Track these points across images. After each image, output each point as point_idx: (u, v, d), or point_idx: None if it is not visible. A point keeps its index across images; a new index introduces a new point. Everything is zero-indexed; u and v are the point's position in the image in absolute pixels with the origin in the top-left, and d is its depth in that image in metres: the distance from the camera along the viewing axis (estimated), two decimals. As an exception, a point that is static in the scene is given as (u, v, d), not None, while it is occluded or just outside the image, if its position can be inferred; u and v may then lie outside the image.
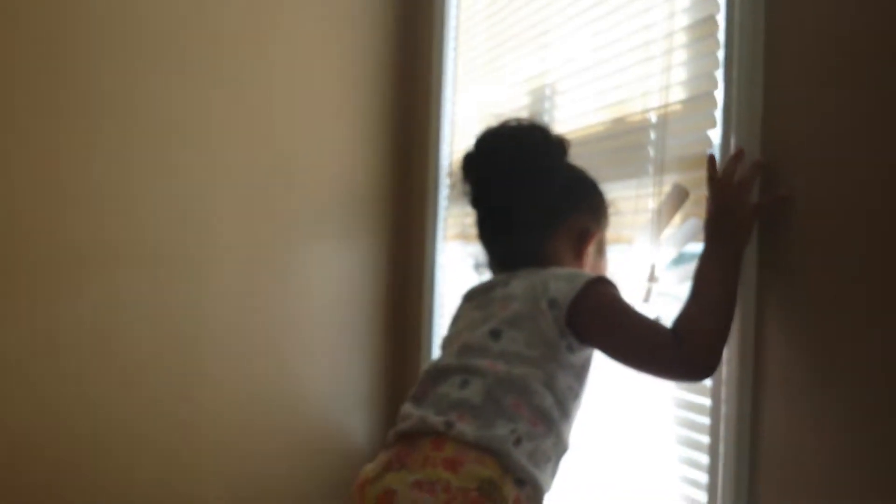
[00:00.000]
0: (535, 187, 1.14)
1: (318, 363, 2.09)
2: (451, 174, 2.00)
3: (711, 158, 1.05)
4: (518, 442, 0.98)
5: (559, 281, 1.05)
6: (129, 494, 1.85)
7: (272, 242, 2.03)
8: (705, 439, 1.09)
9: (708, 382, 1.08)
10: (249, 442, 2.00)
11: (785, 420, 0.98)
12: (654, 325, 1.01)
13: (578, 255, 1.15)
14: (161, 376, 1.89)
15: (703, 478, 1.10)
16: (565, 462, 1.07)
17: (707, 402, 1.09)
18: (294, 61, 2.06)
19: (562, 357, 1.03)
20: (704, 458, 1.10)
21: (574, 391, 1.05)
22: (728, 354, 1.04)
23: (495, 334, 1.05)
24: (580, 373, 1.06)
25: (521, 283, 1.08)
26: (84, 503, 1.80)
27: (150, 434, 1.88)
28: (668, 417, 1.20)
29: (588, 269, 1.16)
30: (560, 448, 1.05)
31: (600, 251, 1.20)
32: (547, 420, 1.01)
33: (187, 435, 1.92)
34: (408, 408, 1.06)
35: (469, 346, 1.06)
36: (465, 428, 0.97)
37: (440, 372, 1.07)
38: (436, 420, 1.00)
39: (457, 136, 1.97)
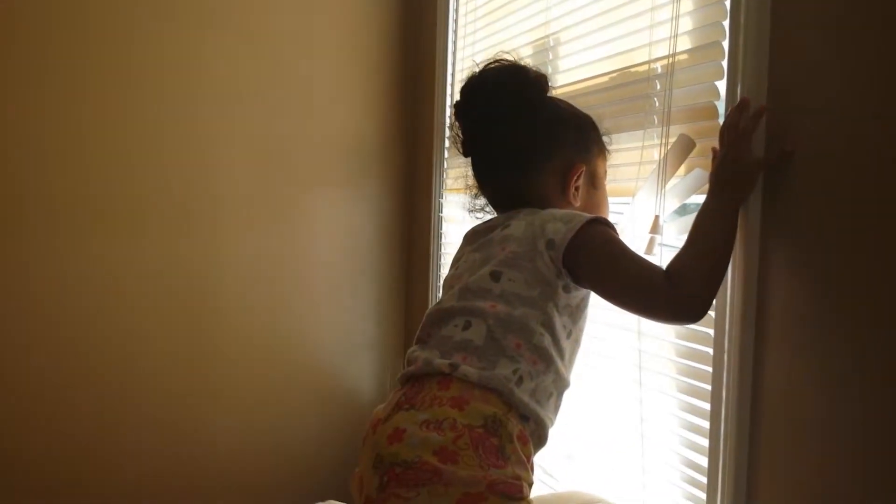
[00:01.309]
0: (515, 126, 1.17)
1: (328, 310, 2.13)
2: (451, 127, 2.00)
3: (730, 111, 1.04)
4: (520, 381, 1.02)
5: (557, 222, 1.07)
6: (147, 441, 1.91)
7: (282, 192, 2.05)
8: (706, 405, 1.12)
9: (710, 331, 1.10)
10: (262, 388, 2.05)
11: (787, 374, 0.99)
12: (648, 266, 1.02)
13: (564, 189, 1.17)
14: (174, 325, 1.93)
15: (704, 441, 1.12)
16: (567, 398, 1.11)
17: (709, 351, 1.11)
18: (304, 16, 2.05)
19: (558, 297, 1.06)
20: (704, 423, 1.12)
21: (567, 330, 1.08)
22: (731, 306, 1.05)
23: (495, 276, 1.08)
24: (574, 312, 1.10)
25: (519, 225, 1.11)
26: (105, 451, 1.86)
27: (166, 383, 1.92)
28: (670, 374, 1.22)
29: (581, 204, 1.19)
30: (560, 384, 1.08)
31: (595, 184, 1.21)
32: (545, 358, 1.05)
33: (200, 381, 1.97)
34: (414, 350, 1.10)
35: (470, 289, 1.09)
36: (469, 369, 1.01)
37: (443, 314, 1.11)
38: (441, 362, 1.04)
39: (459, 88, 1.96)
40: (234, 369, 2.00)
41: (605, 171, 1.25)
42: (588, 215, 1.09)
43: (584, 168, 1.19)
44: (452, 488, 0.93)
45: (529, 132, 1.17)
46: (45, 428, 1.80)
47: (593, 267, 1.06)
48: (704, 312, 0.98)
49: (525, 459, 1.00)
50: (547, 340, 1.05)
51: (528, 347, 1.04)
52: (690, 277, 0.97)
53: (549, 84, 1.22)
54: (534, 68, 1.22)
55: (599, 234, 1.07)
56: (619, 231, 1.12)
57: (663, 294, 0.98)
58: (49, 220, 1.78)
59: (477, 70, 1.22)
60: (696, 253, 1.00)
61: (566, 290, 1.07)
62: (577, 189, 1.18)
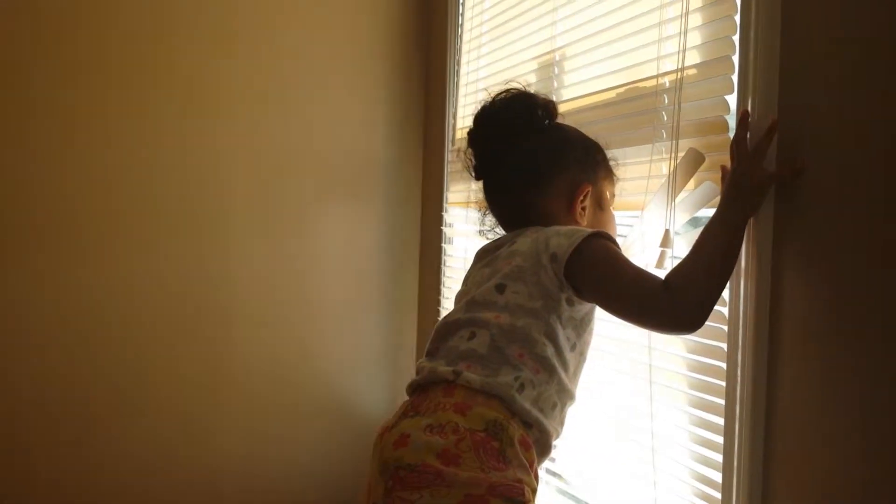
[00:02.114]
0: (523, 149, 1.22)
1: (336, 323, 2.14)
2: (454, 142, 2.02)
3: (739, 121, 1.05)
4: (521, 388, 1.04)
5: (560, 237, 1.10)
6: (154, 449, 1.91)
7: (291, 205, 2.06)
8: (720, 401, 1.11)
9: (723, 345, 1.10)
10: (270, 401, 2.05)
11: (801, 387, 0.99)
12: (644, 276, 1.04)
13: (570, 209, 1.21)
14: (183, 337, 1.93)
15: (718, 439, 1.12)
16: (577, 412, 1.13)
17: (723, 364, 1.11)
18: (312, 29, 2.07)
19: (561, 309, 1.09)
20: (719, 420, 1.12)
21: (571, 343, 1.11)
22: (744, 319, 1.05)
23: (500, 288, 1.11)
24: (578, 326, 1.12)
25: (525, 241, 1.14)
26: (116, 460, 1.86)
27: (174, 393, 1.93)
28: (682, 379, 1.22)
29: (587, 224, 1.22)
30: (564, 395, 1.10)
31: (601, 205, 1.25)
32: (548, 368, 1.07)
33: (208, 393, 1.97)
34: (421, 362, 1.14)
35: (476, 301, 1.13)
36: (472, 376, 1.04)
37: (450, 326, 1.14)
38: (445, 370, 1.07)
39: (465, 105, 1.97)
40: (242, 382, 2.00)
41: (613, 195, 1.28)
42: (590, 230, 1.11)
43: (590, 188, 1.22)
44: (454, 490, 0.94)
45: (537, 154, 1.22)
46: (53, 437, 1.80)
47: (593, 278, 1.08)
48: (701, 323, 0.99)
49: (527, 464, 1.01)
50: (549, 350, 1.07)
51: (531, 356, 1.06)
52: (688, 288, 0.99)
53: (557, 110, 1.27)
54: (542, 95, 1.27)
55: (600, 247, 1.09)
56: (622, 246, 1.15)
57: (660, 303, 1.00)
58: (62, 229, 1.79)
59: (488, 98, 1.27)
60: (698, 264, 1.01)
61: (570, 303, 1.09)
62: (583, 209, 1.22)
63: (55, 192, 1.78)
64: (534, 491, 1.02)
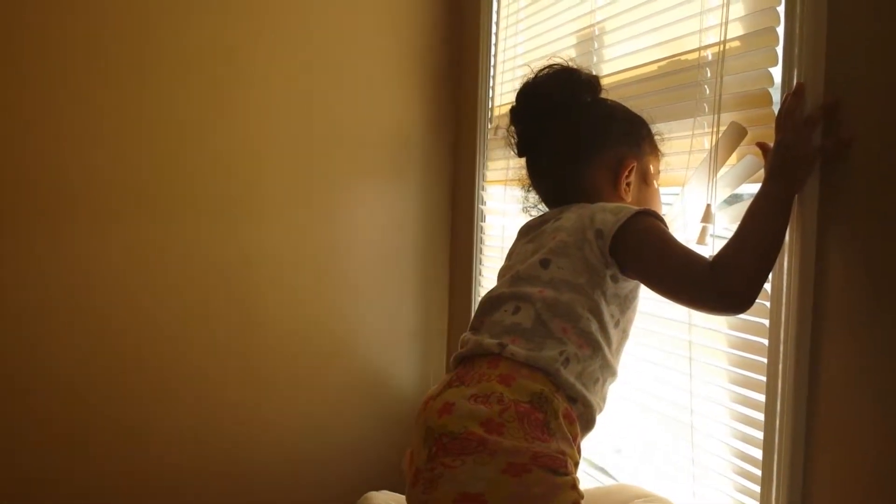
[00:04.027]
0: (567, 124, 1.21)
1: (370, 298, 2.15)
2: (492, 120, 2.01)
3: (786, 97, 1.03)
4: (566, 362, 1.04)
5: (606, 213, 1.09)
6: (190, 429, 1.95)
7: (324, 182, 2.07)
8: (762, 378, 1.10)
9: (765, 321, 1.09)
10: (305, 376, 2.07)
11: (845, 365, 0.98)
12: (691, 255, 1.03)
13: (616, 184, 1.20)
14: (218, 314, 1.96)
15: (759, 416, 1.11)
16: (616, 389, 1.13)
17: (764, 341, 1.09)
18: (346, 7, 2.07)
19: (606, 286, 1.08)
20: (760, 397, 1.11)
21: (616, 319, 1.10)
22: (787, 296, 1.04)
23: (544, 263, 1.11)
24: (623, 303, 1.11)
25: (570, 217, 1.14)
26: (148, 432, 1.91)
27: (209, 370, 1.96)
28: (722, 357, 1.21)
29: (632, 200, 1.21)
30: (607, 371, 1.10)
31: (646, 181, 1.24)
32: (592, 343, 1.07)
33: (243, 369, 2.00)
34: (466, 336, 1.14)
35: (520, 276, 1.13)
36: (517, 349, 1.05)
37: (494, 301, 1.14)
38: (490, 342, 1.07)
39: (503, 82, 1.95)
40: (277, 357, 2.03)
41: (658, 171, 1.26)
42: (637, 207, 1.10)
43: (635, 164, 1.21)
44: (497, 457, 0.94)
45: (581, 128, 1.21)
46: (89, 412, 1.84)
47: (639, 256, 1.07)
48: (750, 304, 0.97)
49: (571, 437, 1.01)
50: (594, 326, 1.07)
51: (575, 332, 1.06)
52: (735, 270, 0.97)
53: (601, 85, 1.25)
54: (585, 70, 1.25)
55: (647, 224, 1.07)
56: (668, 223, 1.12)
57: (708, 285, 0.98)
58: (96, 207, 1.82)
59: (531, 74, 1.26)
60: (745, 244, 0.99)
61: (614, 279, 1.09)
62: (628, 185, 1.20)
63: (88, 173, 1.81)
64: (576, 464, 1.02)
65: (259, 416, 2.02)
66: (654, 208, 1.20)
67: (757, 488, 1.11)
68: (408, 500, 1.04)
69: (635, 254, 1.07)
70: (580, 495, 0.98)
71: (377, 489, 1.63)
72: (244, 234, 1.98)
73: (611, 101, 1.27)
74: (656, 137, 1.26)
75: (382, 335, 2.17)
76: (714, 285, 0.97)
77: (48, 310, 1.79)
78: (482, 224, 2.05)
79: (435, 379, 2.15)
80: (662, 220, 1.10)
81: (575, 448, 1.02)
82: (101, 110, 1.81)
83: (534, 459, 0.95)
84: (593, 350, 1.07)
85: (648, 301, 1.30)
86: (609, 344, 1.09)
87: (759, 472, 1.10)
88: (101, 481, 1.86)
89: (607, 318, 1.08)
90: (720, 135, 1.16)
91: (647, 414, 1.39)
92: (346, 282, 2.12)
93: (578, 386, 1.04)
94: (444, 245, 2.24)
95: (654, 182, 1.25)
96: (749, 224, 1.00)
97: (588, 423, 1.08)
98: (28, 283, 1.77)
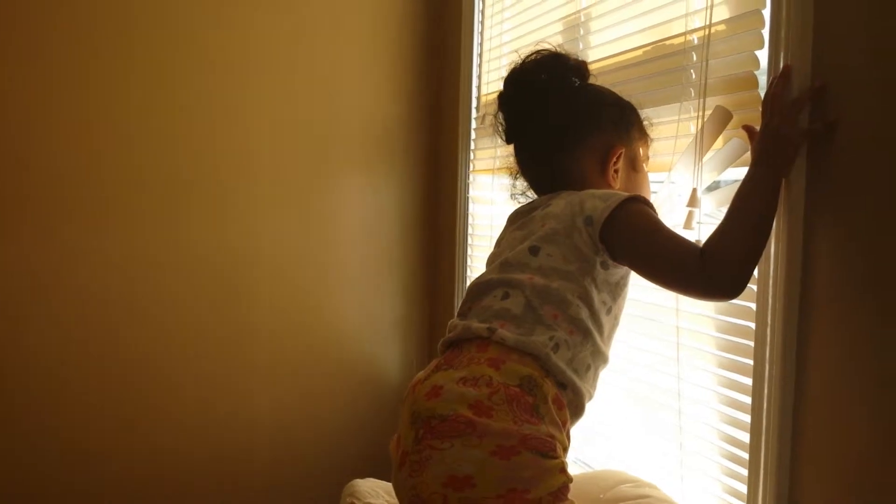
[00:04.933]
0: (555, 109, 1.20)
1: (355, 289, 2.16)
2: (478, 108, 2.00)
3: (773, 80, 1.03)
4: (556, 348, 1.03)
5: (595, 199, 1.09)
6: (181, 418, 1.96)
7: (309, 174, 2.07)
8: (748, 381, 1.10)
9: (753, 305, 1.08)
10: (292, 365, 2.09)
11: (832, 350, 0.98)
12: (681, 242, 1.03)
13: (604, 171, 1.19)
14: (207, 306, 1.97)
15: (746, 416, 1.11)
16: (605, 375, 1.13)
17: (752, 325, 1.09)
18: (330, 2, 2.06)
19: (596, 273, 1.07)
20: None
21: (607, 307, 1.10)
22: (774, 281, 1.04)
23: (534, 250, 1.10)
24: (614, 290, 1.11)
25: (559, 203, 1.13)
26: (142, 417, 1.92)
27: (199, 360, 1.97)
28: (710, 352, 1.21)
29: (621, 186, 1.20)
30: (598, 358, 1.09)
31: (635, 167, 1.23)
32: (582, 329, 1.06)
33: (232, 359, 2.01)
34: (454, 321, 1.13)
35: (510, 262, 1.12)
36: (506, 333, 1.04)
37: (482, 286, 1.13)
38: (479, 326, 1.07)
39: (489, 70, 1.95)
40: (262, 347, 2.04)
41: (647, 157, 1.26)
42: (626, 193, 1.09)
43: (623, 150, 1.20)
44: (486, 440, 0.94)
45: (569, 114, 1.20)
46: (84, 402, 1.85)
47: (629, 243, 1.07)
48: (741, 289, 0.97)
49: (560, 422, 1.01)
50: (584, 313, 1.06)
51: (565, 318, 1.05)
52: (725, 256, 0.97)
53: (589, 70, 1.24)
54: (574, 56, 1.24)
55: (636, 211, 1.07)
56: (656, 209, 1.12)
57: (698, 272, 0.98)
58: (88, 204, 1.83)
59: (519, 61, 1.24)
60: (734, 229, 0.99)
61: (604, 266, 1.08)
62: (616, 171, 1.20)
63: (79, 166, 1.81)
64: (565, 449, 1.02)
65: (245, 405, 2.03)
66: (643, 194, 1.20)
67: (744, 471, 1.11)
68: (394, 483, 1.04)
69: (625, 240, 1.06)
70: (569, 479, 0.98)
71: (362, 477, 1.62)
72: (232, 228, 1.98)
73: (599, 86, 1.26)
74: (645, 123, 1.25)
75: (367, 325, 2.18)
76: (703, 272, 0.97)
77: (41, 304, 1.80)
78: (470, 213, 2.04)
79: (420, 368, 2.14)
80: (652, 207, 1.10)
81: (564, 433, 1.02)
82: (92, 108, 1.81)
83: (522, 442, 0.94)
84: (583, 336, 1.06)
85: (635, 287, 1.30)
86: (600, 331, 1.09)
87: (745, 456, 1.10)
88: (97, 469, 1.87)
89: (598, 305, 1.08)
90: (706, 119, 1.16)
91: (635, 399, 1.39)
92: (332, 272, 2.12)
93: (569, 372, 1.04)
94: (428, 235, 2.24)
95: (644, 167, 1.25)
96: (737, 209, 1.00)
97: (578, 410, 1.08)
98: (22, 278, 1.78)
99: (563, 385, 1.04)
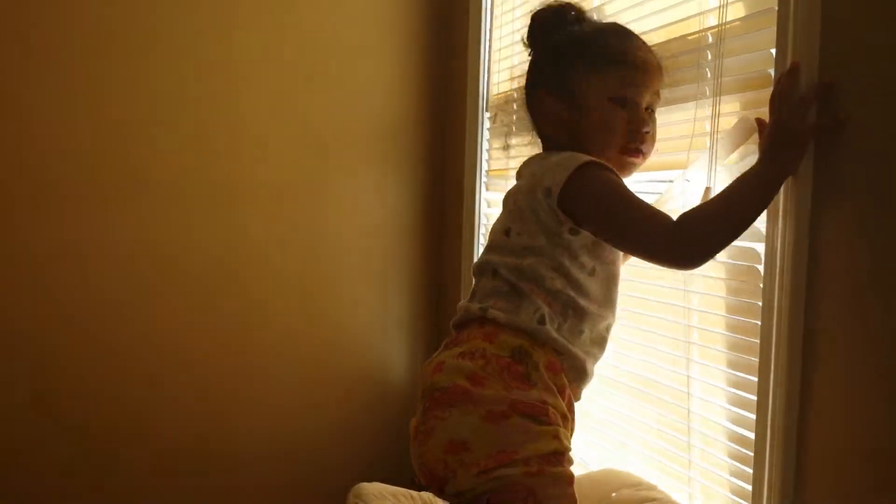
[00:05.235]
0: (543, 51, 1.23)
1: (359, 288, 2.14)
2: (489, 108, 1.99)
3: (781, 77, 1.02)
4: (542, 320, 1.08)
5: (552, 170, 1.10)
6: (180, 418, 1.94)
7: (313, 171, 2.05)
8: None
9: (758, 302, 1.08)
10: (294, 365, 2.06)
11: (838, 339, 0.97)
12: (643, 206, 1.05)
13: (581, 116, 1.15)
14: (207, 303, 1.95)
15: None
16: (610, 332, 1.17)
17: (757, 322, 1.09)
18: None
19: (566, 242, 1.10)
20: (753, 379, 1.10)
21: (589, 268, 1.11)
22: (780, 272, 1.03)
23: (507, 232, 1.16)
24: (593, 249, 1.11)
25: (526, 174, 1.18)
26: (142, 419, 1.89)
27: (198, 361, 1.94)
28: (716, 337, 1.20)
29: (598, 121, 1.14)
30: (589, 320, 1.11)
31: (623, 105, 1.14)
32: (562, 300, 1.09)
33: (232, 359, 1.98)
34: (461, 303, 1.19)
35: (490, 246, 1.19)
36: (498, 312, 1.10)
37: (478, 268, 1.20)
38: (474, 307, 1.13)
39: (500, 70, 1.94)
40: (267, 349, 2.02)
41: (649, 90, 1.16)
42: (581, 159, 1.08)
43: (591, 85, 1.14)
44: (479, 406, 1.01)
45: (550, 55, 1.21)
46: (84, 405, 1.83)
47: (586, 208, 1.08)
48: (700, 259, 1.00)
49: (556, 387, 1.05)
50: (560, 283, 1.09)
51: (543, 291, 1.09)
52: (700, 222, 1.00)
53: (572, 13, 1.21)
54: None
55: (593, 175, 1.08)
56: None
57: (661, 232, 1.01)
58: (86, 197, 1.81)
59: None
60: (720, 214, 1.00)
61: (573, 232, 1.09)
62: (590, 111, 1.14)
63: (75, 159, 1.79)
64: (563, 415, 1.05)
65: (250, 407, 2.01)
66: (601, 136, 1.15)
67: (750, 471, 1.10)
68: (411, 457, 1.09)
69: (584, 206, 1.08)
70: (564, 447, 1.02)
71: (369, 480, 1.62)
72: (235, 226, 1.96)
73: (599, 24, 1.24)
74: (652, 56, 1.17)
75: (373, 326, 2.16)
76: (670, 235, 1.00)
77: (37, 297, 1.78)
78: (484, 214, 2.02)
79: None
80: (610, 170, 1.09)
81: (562, 399, 1.05)
82: (90, 101, 1.79)
83: (511, 406, 1.01)
84: (563, 306, 1.09)
85: (644, 286, 1.30)
86: (584, 295, 1.10)
87: (750, 454, 1.10)
88: (99, 465, 1.85)
89: (576, 271, 1.09)
90: (730, 128, 1.15)
91: (644, 399, 1.39)
92: (335, 271, 2.10)
93: (561, 340, 1.08)
94: (433, 233, 2.22)
95: (637, 105, 1.15)
96: (729, 195, 1.01)
97: (579, 374, 1.11)
98: (22, 278, 1.77)
99: (559, 352, 1.08)
